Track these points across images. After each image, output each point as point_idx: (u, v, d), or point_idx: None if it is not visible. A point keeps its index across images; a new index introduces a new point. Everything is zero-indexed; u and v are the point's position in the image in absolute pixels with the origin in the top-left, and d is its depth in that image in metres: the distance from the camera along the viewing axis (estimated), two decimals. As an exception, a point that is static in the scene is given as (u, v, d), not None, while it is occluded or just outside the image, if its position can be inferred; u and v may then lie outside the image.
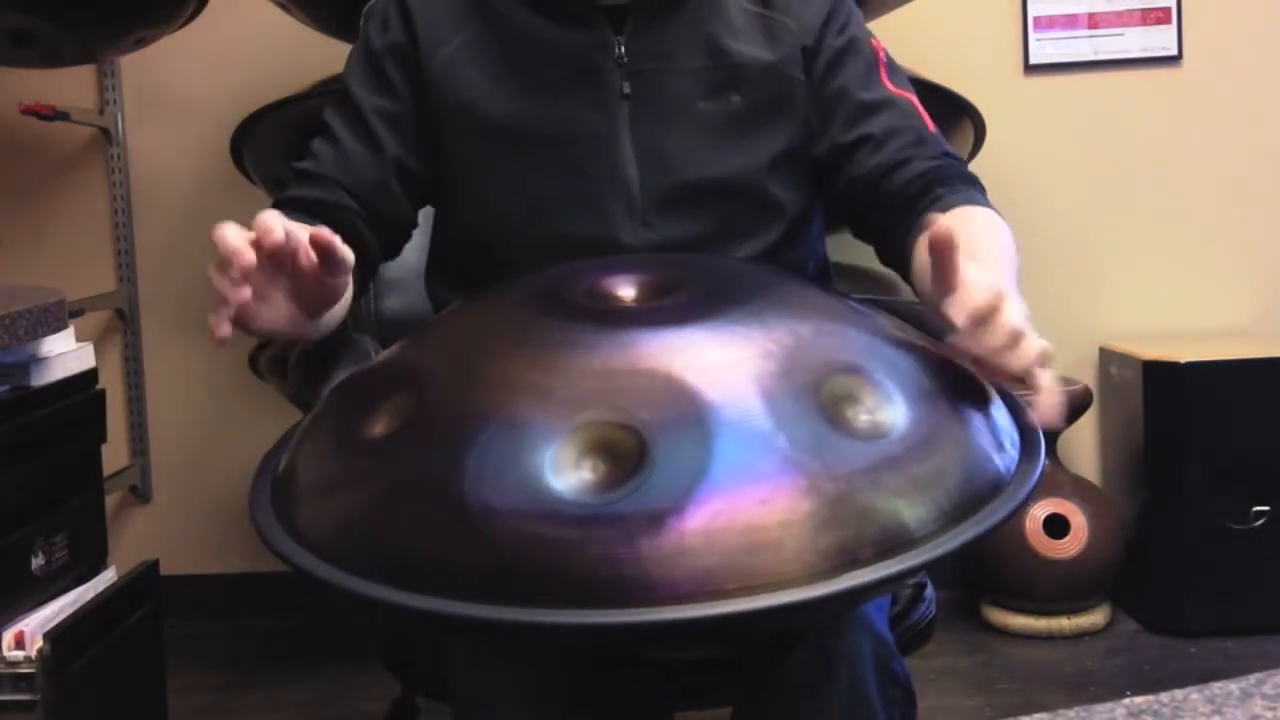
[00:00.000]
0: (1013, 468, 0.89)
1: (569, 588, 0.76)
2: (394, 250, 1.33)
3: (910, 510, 0.81)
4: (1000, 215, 1.19)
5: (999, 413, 0.93)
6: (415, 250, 1.38)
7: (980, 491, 0.85)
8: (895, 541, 0.79)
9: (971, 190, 1.22)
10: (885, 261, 1.29)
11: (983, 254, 1.03)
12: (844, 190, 1.28)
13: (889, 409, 0.86)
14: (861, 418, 0.85)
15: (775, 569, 0.76)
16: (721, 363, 0.86)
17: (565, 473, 0.79)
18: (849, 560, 0.77)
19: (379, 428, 0.89)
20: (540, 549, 0.77)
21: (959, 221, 1.09)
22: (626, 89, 1.25)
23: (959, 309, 0.90)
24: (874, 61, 1.31)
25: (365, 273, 1.28)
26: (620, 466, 0.79)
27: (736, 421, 0.81)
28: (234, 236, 0.92)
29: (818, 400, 0.84)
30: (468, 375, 0.89)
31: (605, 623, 0.75)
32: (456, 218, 1.31)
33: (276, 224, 0.93)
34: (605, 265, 1.07)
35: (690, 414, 0.81)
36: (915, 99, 1.31)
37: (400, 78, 1.28)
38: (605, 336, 0.90)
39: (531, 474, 0.79)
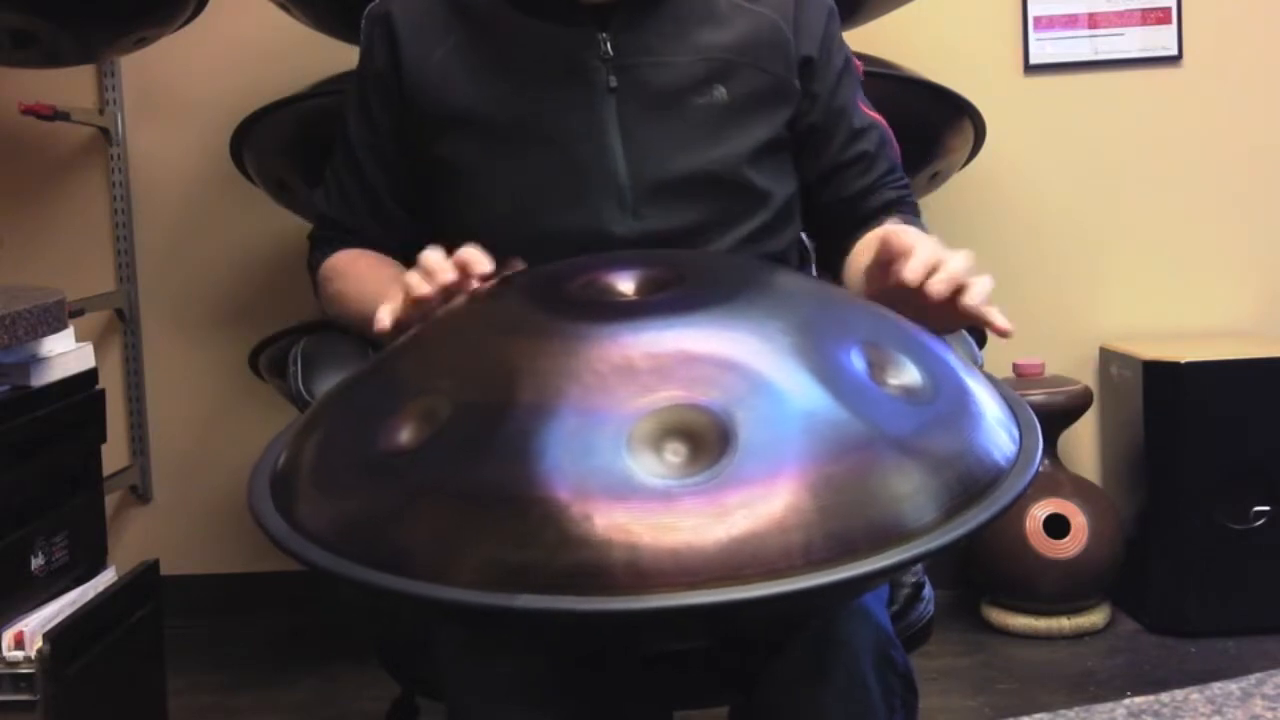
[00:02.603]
0: (1012, 455, 0.89)
1: (645, 571, 0.75)
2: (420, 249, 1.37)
3: (920, 493, 0.81)
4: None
5: (997, 402, 0.94)
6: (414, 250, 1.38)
7: (981, 480, 0.85)
8: (896, 531, 0.79)
9: (916, 220, 1.37)
10: (821, 255, 1.43)
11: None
12: (825, 203, 1.37)
13: (912, 375, 0.87)
14: (891, 382, 0.86)
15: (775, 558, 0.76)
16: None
17: (645, 456, 0.79)
18: (848, 550, 0.77)
19: (409, 434, 0.86)
20: (629, 535, 0.76)
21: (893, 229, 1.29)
22: (613, 83, 1.27)
23: (912, 268, 1.01)
24: (859, 82, 1.39)
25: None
26: (702, 448, 0.79)
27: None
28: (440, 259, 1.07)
29: (854, 365, 0.86)
30: (505, 372, 0.87)
31: (613, 609, 0.75)
32: (448, 218, 1.33)
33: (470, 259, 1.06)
34: (597, 262, 1.07)
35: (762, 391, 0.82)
36: (885, 122, 1.40)
37: (381, 105, 1.34)
38: (623, 327, 0.89)
39: (612, 461, 0.78)
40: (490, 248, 1.25)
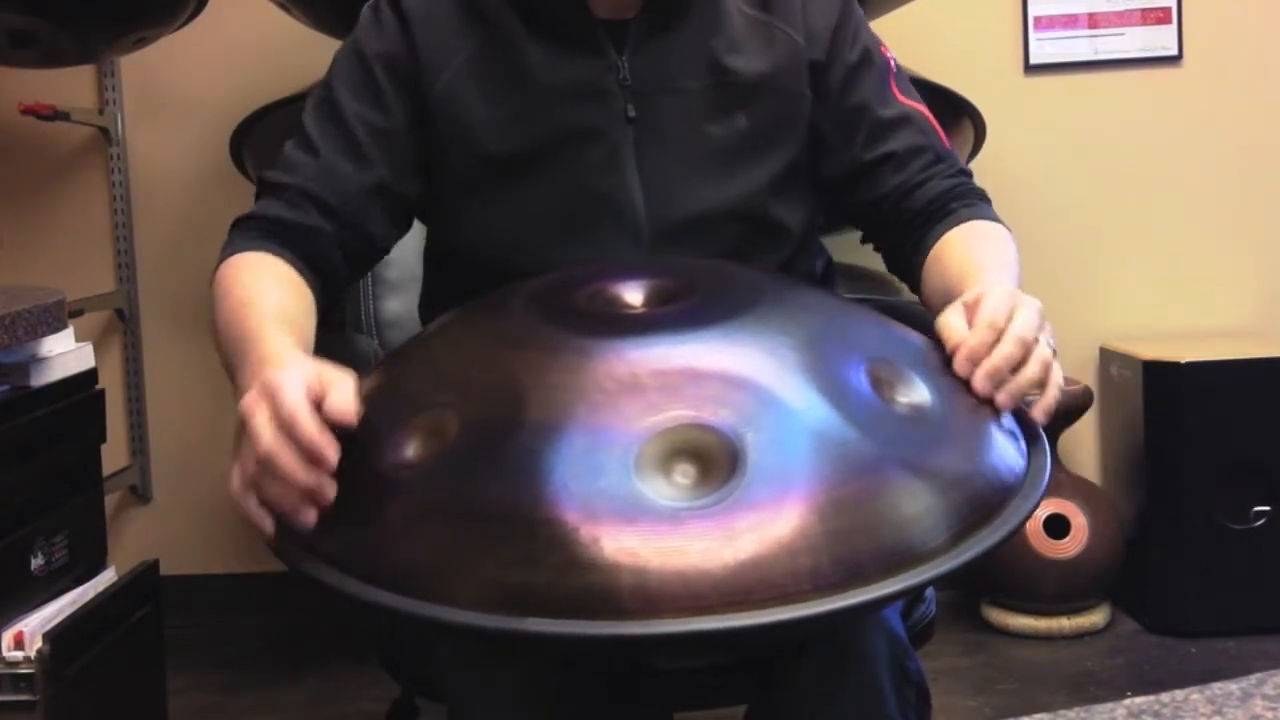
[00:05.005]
0: (1021, 473, 0.89)
1: (653, 595, 0.75)
2: (362, 272, 1.27)
3: (931, 512, 0.81)
4: (1005, 226, 1.23)
5: (1006, 418, 0.93)
6: (415, 251, 1.38)
7: (991, 500, 0.85)
8: (906, 555, 0.79)
9: (982, 205, 1.25)
10: (893, 271, 1.30)
11: (986, 269, 1.12)
12: (863, 208, 1.28)
13: (921, 392, 0.87)
14: (900, 399, 0.86)
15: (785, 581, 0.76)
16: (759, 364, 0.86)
17: (654, 478, 0.78)
18: (857, 574, 0.77)
19: (415, 449, 0.86)
20: (637, 558, 0.75)
21: (967, 238, 1.20)
22: (631, 113, 1.20)
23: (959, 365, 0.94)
24: (886, 72, 1.28)
25: (331, 299, 1.22)
26: (711, 469, 0.79)
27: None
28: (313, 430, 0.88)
29: (863, 382, 0.86)
30: (512, 388, 0.86)
31: (612, 634, 0.75)
32: (455, 244, 1.27)
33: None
34: (605, 271, 1.06)
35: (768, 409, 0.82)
36: (926, 109, 1.30)
37: (394, 92, 1.21)
38: (630, 342, 0.88)
39: (620, 483, 0.77)
40: (499, 278, 1.21)
